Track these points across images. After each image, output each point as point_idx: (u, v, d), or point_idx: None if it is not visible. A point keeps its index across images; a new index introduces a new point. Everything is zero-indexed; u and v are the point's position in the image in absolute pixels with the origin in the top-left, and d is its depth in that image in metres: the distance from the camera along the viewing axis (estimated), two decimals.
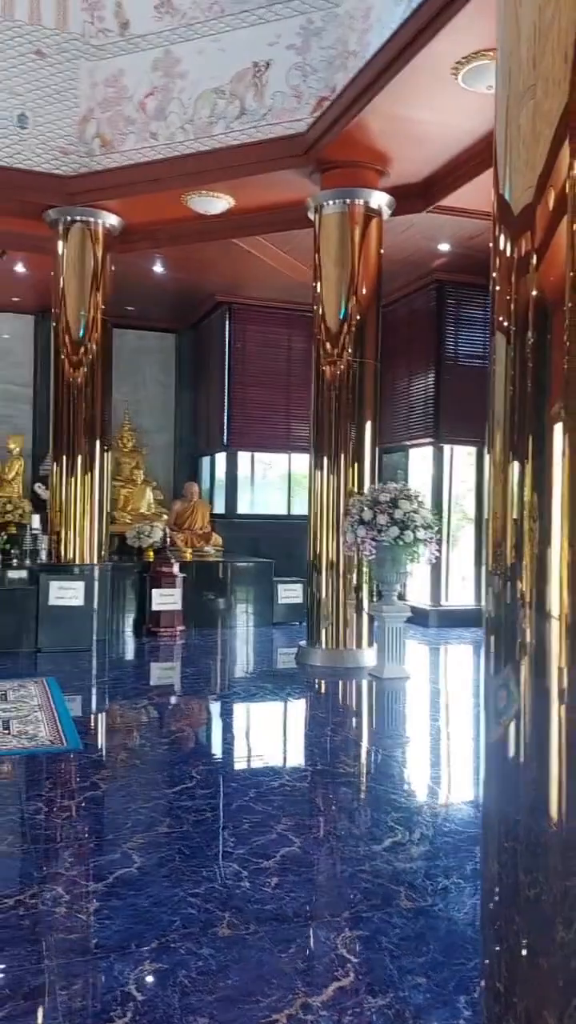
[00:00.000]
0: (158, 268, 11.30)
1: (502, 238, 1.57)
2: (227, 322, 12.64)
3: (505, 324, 1.58)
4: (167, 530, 10.89)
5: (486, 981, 1.64)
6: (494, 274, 1.61)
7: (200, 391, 13.87)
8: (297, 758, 5.65)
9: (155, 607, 9.84)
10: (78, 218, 9.25)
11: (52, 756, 5.25)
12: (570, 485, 1.43)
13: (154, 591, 9.86)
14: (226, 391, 12.70)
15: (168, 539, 10.85)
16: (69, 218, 9.25)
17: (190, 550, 11.29)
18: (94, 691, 7.48)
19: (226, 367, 12.69)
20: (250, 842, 3.94)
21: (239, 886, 3.49)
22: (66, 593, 8.89)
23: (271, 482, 13.39)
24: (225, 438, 12.73)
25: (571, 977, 1.44)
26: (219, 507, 12.98)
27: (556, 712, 1.47)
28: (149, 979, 2.81)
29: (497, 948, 1.61)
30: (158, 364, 14.06)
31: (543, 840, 1.50)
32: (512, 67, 1.58)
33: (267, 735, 6.33)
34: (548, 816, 1.49)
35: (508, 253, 1.58)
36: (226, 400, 12.69)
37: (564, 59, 1.41)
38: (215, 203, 9.01)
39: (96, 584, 9.25)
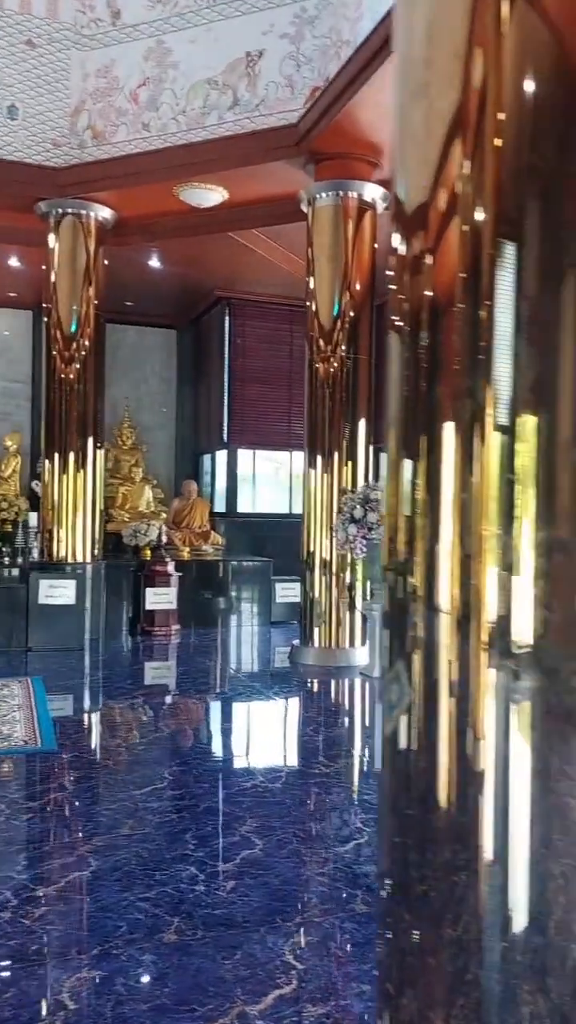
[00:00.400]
0: (155, 263, 11.17)
1: (397, 237, 1.52)
2: (226, 318, 12.52)
3: (399, 324, 1.51)
4: (163, 528, 10.77)
5: (378, 983, 1.54)
6: (390, 273, 1.56)
7: (201, 388, 13.74)
8: (275, 758, 5.52)
9: (149, 606, 9.72)
10: (69, 211, 9.12)
11: (24, 757, 5.14)
12: (460, 484, 1.36)
13: (148, 590, 9.74)
14: (226, 388, 12.57)
15: (166, 537, 10.74)
16: (60, 211, 9.13)
17: (187, 549, 11.17)
18: (79, 691, 7.37)
19: (226, 364, 12.57)
20: (211, 845, 3.82)
21: (193, 890, 3.37)
22: (56, 592, 8.78)
23: (272, 480, 13.26)
24: (225, 435, 12.61)
25: (457, 976, 1.37)
26: (220, 505, 12.86)
27: (446, 705, 1.38)
28: (84, 988, 2.69)
29: (388, 947, 1.52)
30: (160, 361, 13.94)
31: (432, 834, 1.42)
32: (407, 65, 1.53)
33: (248, 735, 6.20)
34: (437, 809, 1.41)
35: (402, 252, 1.51)
36: (226, 397, 12.57)
37: (456, 57, 1.37)
38: (208, 195, 8.89)
39: (88, 583, 9.13)
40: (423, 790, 1.43)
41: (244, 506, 12.86)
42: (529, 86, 1.31)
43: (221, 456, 12.93)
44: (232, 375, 12.58)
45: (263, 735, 6.16)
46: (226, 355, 12.56)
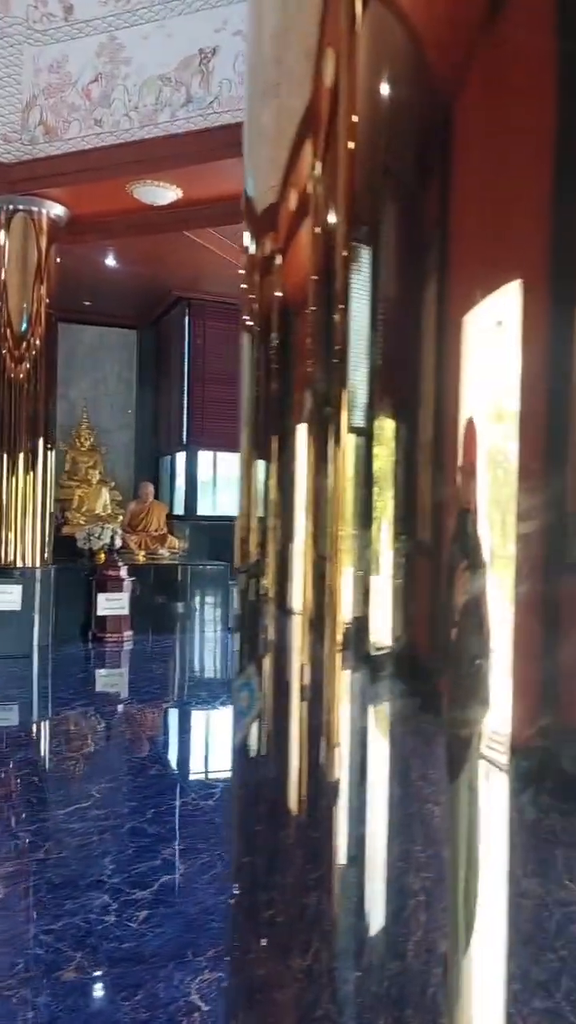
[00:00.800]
0: (111, 262, 10.99)
1: (247, 236, 1.48)
2: (186, 318, 12.35)
3: (250, 324, 1.45)
4: (117, 531, 10.56)
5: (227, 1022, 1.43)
6: (241, 271, 1.49)
7: (161, 389, 13.57)
8: (212, 773, 5.36)
9: (101, 612, 9.53)
10: (20, 207, 8.90)
11: None
12: (315, 485, 1.28)
13: (100, 595, 9.55)
14: (186, 389, 12.41)
15: (121, 541, 10.54)
16: (11, 207, 8.90)
17: (143, 552, 10.99)
18: (19, 701, 7.17)
19: (186, 364, 12.40)
20: (130, 869, 3.66)
21: (102, 921, 3.21)
22: (1, 597, 8.57)
23: (236, 482, 13.09)
24: (184, 437, 12.44)
25: (306, 1013, 1.24)
26: (180, 508, 12.68)
27: (298, 710, 1.31)
28: None
29: (235, 982, 1.42)
30: (121, 361, 13.74)
31: (281, 851, 1.31)
32: (257, 64, 1.48)
33: (186, 748, 6.04)
34: (287, 824, 1.31)
35: (252, 251, 1.45)
36: (186, 398, 12.40)
37: (306, 57, 1.31)
38: (162, 194, 8.71)
39: (37, 587, 8.92)
40: (272, 803, 1.34)
41: (205, 508, 12.69)
42: (384, 88, 1.23)
43: (181, 458, 12.76)
44: (192, 376, 12.42)
45: (204, 748, 6.01)
46: (186, 356, 12.40)
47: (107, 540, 10.17)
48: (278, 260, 1.37)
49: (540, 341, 1.07)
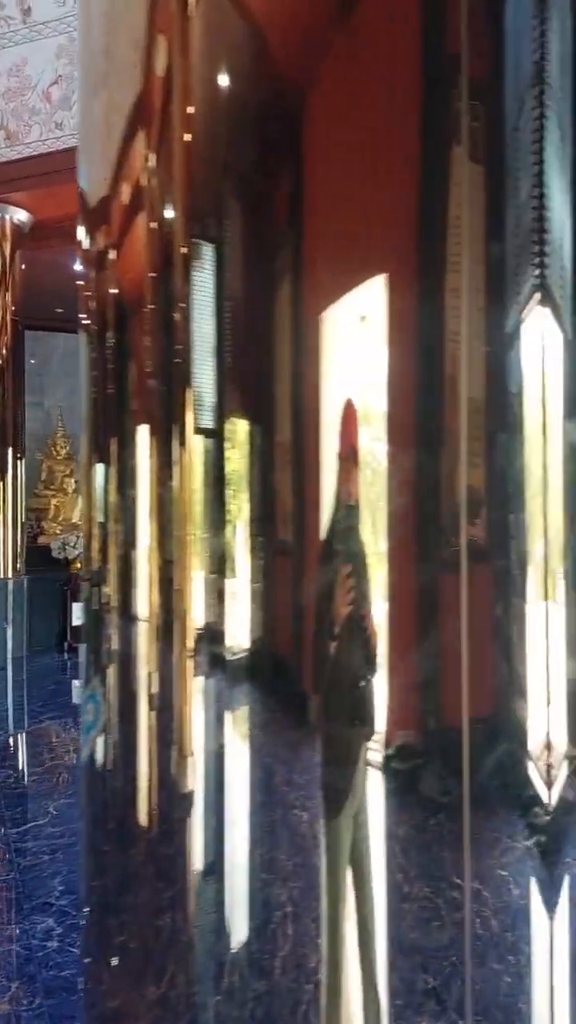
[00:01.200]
0: (80, 268, 10.85)
1: (81, 230, 1.48)
2: None
3: (87, 322, 1.46)
4: None
5: None
6: (78, 268, 1.49)
7: None
8: None
9: (75, 621, 9.39)
10: None
11: None
12: (158, 489, 1.28)
13: (75, 604, 9.42)
14: None
15: None
16: None
17: None
18: None
19: None
20: (79, 891, 3.52)
21: (44, 947, 3.07)
22: None
23: None
24: None
25: None
26: None
27: (145, 719, 1.27)
28: None
29: (89, 1017, 1.37)
30: None
31: (131, 871, 1.26)
32: (87, 55, 1.49)
33: None
34: (135, 841, 1.25)
35: (86, 247, 1.46)
36: None
37: (135, 48, 1.31)
38: None
39: (10, 598, 8.79)
40: (122, 820, 1.28)
41: None
42: (223, 79, 1.20)
43: None
44: None
45: None
46: None
47: (82, 549, 10.02)
48: (112, 255, 1.36)
49: (403, 337, 1.02)
